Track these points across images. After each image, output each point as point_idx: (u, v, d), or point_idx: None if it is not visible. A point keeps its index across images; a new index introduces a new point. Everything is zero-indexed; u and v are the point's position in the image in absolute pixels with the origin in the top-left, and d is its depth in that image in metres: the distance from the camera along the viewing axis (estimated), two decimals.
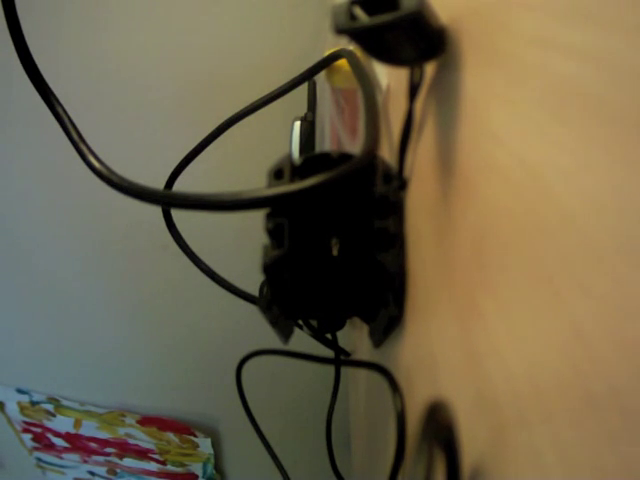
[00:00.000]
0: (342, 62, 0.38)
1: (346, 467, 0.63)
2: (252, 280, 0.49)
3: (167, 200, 0.21)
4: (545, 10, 0.14)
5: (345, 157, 0.29)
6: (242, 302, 0.46)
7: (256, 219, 0.34)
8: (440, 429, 0.15)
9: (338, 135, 0.53)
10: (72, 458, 1.19)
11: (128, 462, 1.16)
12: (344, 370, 0.67)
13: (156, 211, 0.42)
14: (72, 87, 0.76)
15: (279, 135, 0.73)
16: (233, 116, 0.43)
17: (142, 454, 1.14)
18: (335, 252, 0.30)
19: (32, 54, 0.25)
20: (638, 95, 0.10)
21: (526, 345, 0.14)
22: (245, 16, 0.73)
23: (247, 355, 0.40)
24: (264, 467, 0.86)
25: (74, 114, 0.26)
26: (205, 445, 1.09)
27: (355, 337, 0.59)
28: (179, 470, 1.16)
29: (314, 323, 0.42)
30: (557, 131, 0.13)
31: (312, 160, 0.29)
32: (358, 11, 0.20)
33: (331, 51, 0.37)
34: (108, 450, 1.15)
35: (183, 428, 1.07)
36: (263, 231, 0.29)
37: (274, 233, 0.29)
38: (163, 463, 1.15)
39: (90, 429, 1.11)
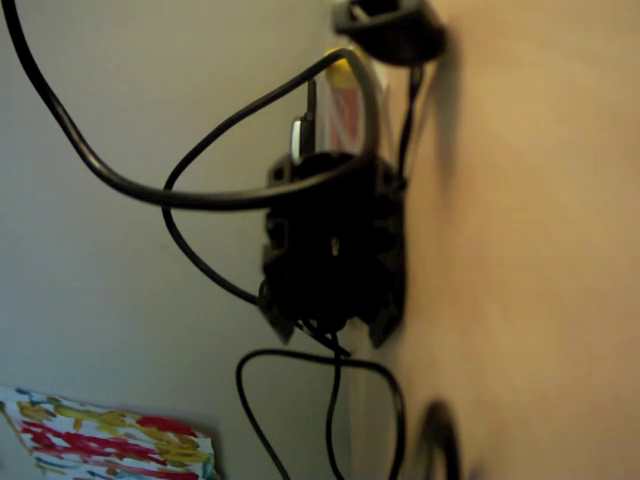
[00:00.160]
0: (342, 62, 0.38)
1: (346, 467, 0.63)
2: (252, 280, 0.49)
3: (167, 200, 0.21)
4: (545, 10, 0.14)
5: (345, 157, 0.29)
6: (242, 302, 0.46)
7: (256, 219, 0.34)
8: (440, 429, 0.15)
9: (338, 135, 0.53)
10: (72, 458, 1.19)
11: (128, 462, 1.16)
12: (344, 370, 0.67)
13: (156, 211, 0.42)
14: (72, 87, 0.76)
15: (279, 135, 0.73)
16: (233, 116, 0.43)
17: (142, 454, 1.14)
18: (335, 252, 0.30)
19: (32, 54, 0.25)
20: (637, 95, 0.10)
21: (526, 345, 0.14)
22: (245, 16, 0.73)
23: (247, 355, 0.40)
24: (264, 467, 0.86)
25: (74, 114, 0.26)
26: (205, 445, 1.09)
27: (355, 337, 0.59)
28: (179, 470, 1.16)
29: (314, 323, 0.42)
30: (557, 131, 0.13)
31: (312, 160, 0.29)
32: (358, 11, 0.20)
33: (331, 51, 0.37)
34: (108, 450, 1.15)
35: (183, 428, 1.07)
36: (263, 231, 0.29)
37: (274, 233, 0.29)
38: (163, 463, 1.15)
39: (90, 429, 1.11)
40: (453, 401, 0.19)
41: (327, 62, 0.39)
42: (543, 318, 0.13)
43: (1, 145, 0.85)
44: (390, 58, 0.22)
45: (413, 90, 0.25)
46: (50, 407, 1.09)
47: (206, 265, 0.44)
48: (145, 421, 1.07)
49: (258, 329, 0.67)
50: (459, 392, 0.19)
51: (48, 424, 1.12)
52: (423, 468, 0.14)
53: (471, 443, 0.17)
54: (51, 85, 0.26)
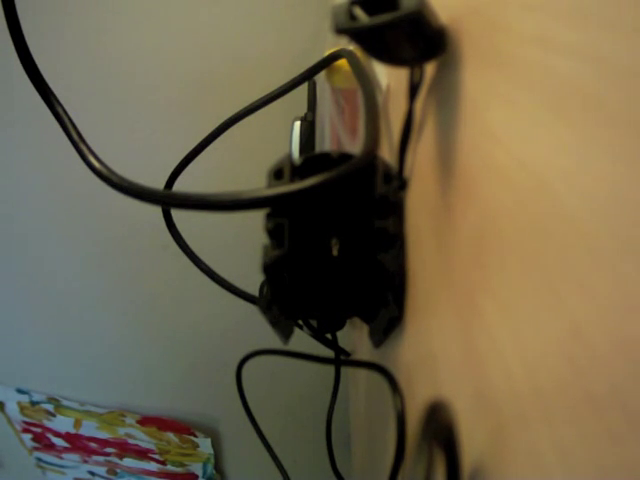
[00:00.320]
0: (342, 62, 0.38)
1: (346, 467, 0.63)
2: (252, 280, 0.49)
3: (167, 200, 0.21)
4: (545, 10, 0.14)
5: (345, 157, 0.29)
6: (242, 302, 0.46)
7: (256, 219, 0.34)
8: (440, 429, 0.15)
9: (338, 135, 0.53)
10: (72, 458, 1.19)
11: (128, 462, 1.16)
12: (344, 370, 0.67)
13: (156, 211, 0.42)
14: (72, 87, 0.76)
15: (279, 135, 0.73)
16: (233, 116, 0.43)
17: (142, 454, 1.14)
18: (335, 252, 0.30)
19: (32, 54, 0.25)
20: (637, 95, 0.10)
21: (526, 345, 0.14)
22: (245, 16, 0.73)
23: (247, 355, 0.40)
24: (264, 467, 0.86)
25: (74, 114, 0.26)
26: (205, 445, 1.09)
27: (355, 337, 0.59)
28: (179, 470, 1.16)
29: (314, 323, 0.42)
30: (557, 131, 0.13)
31: (312, 160, 0.29)
32: (358, 11, 0.20)
33: (331, 51, 0.37)
34: (108, 450, 1.15)
35: (183, 428, 1.07)
36: (263, 231, 0.29)
37: (274, 233, 0.29)
38: (163, 463, 1.15)
39: (90, 429, 1.11)
40: (453, 401, 0.19)
41: (327, 62, 0.39)
42: (542, 317, 0.13)
43: (1, 145, 0.85)
44: (390, 58, 0.22)
45: (413, 90, 0.25)
46: (50, 407, 1.09)
47: (206, 265, 0.44)
48: (145, 421, 1.07)
49: (258, 329, 0.67)
50: (459, 392, 0.19)
51: (48, 424, 1.12)
52: (423, 468, 0.14)
53: (471, 443, 0.17)
54: (51, 85, 0.26)
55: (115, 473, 1.20)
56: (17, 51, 0.25)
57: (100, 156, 0.22)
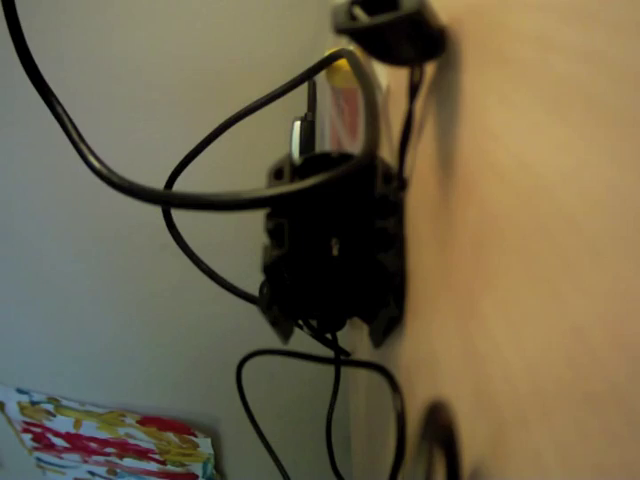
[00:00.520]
0: (342, 62, 0.38)
1: (346, 467, 0.63)
2: (252, 280, 0.49)
3: (167, 200, 0.21)
4: (545, 10, 0.14)
5: (345, 157, 0.29)
6: (242, 302, 0.46)
7: (256, 219, 0.34)
8: (440, 429, 0.15)
9: (338, 135, 0.53)
10: (72, 458, 1.19)
11: (128, 462, 1.16)
12: (344, 370, 0.67)
13: (156, 211, 0.42)
14: (72, 87, 0.76)
15: (279, 135, 0.73)
16: (233, 116, 0.43)
17: (142, 454, 1.14)
18: (335, 252, 0.30)
19: (32, 54, 0.25)
20: (637, 95, 0.10)
21: (526, 345, 0.14)
22: (245, 16, 0.73)
23: (247, 355, 0.40)
24: (264, 467, 0.86)
25: (74, 114, 0.26)
26: (205, 445, 1.09)
27: (355, 337, 0.59)
28: (179, 470, 1.16)
29: (314, 323, 0.42)
30: (557, 131, 0.13)
31: (312, 160, 0.29)
32: (358, 11, 0.20)
33: (331, 51, 0.37)
34: (108, 450, 1.15)
35: (183, 428, 1.07)
36: (263, 231, 0.29)
37: (274, 233, 0.29)
38: (163, 463, 1.15)
39: (90, 429, 1.11)
40: (453, 401, 0.19)
41: (327, 62, 0.39)
42: (542, 316, 0.13)
43: (1, 145, 0.85)
44: (390, 58, 0.22)
45: (413, 90, 0.25)
46: (50, 407, 1.09)
47: (206, 265, 0.45)
48: (145, 421, 1.07)
49: (258, 329, 0.67)
50: (459, 392, 0.19)
51: (48, 424, 1.12)
52: (423, 468, 0.14)
53: (471, 443, 0.17)
54: (51, 85, 0.26)
55: (115, 473, 1.20)
56: (17, 51, 0.25)
57: (100, 156, 0.22)
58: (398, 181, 0.29)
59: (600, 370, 0.10)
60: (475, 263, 0.18)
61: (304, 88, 0.49)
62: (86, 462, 1.19)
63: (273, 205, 0.28)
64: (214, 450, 1.10)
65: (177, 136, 0.80)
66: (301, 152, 0.49)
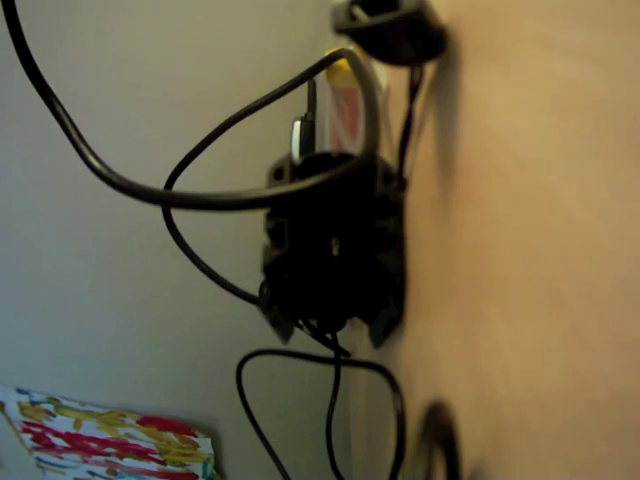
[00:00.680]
0: (342, 62, 0.38)
1: (346, 467, 0.63)
2: (252, 280, 0.49)
3: (167, 200, 0.21)
4: (545, 10, 0.14)
5: (345, 157, 0.29)
6: (242, 302, 0.46)
7: (256, 219, 0.34)
8: (440, 429, 0.15)
9: (338, 135, 0.53)
10: (72, 458, 1.19)
11: (128, 462, 1.16)
12: (344, 370, 0.67)
13: (156, 211, 0.42)
14: (72, 87, 0.76)
15: (279, 135, 0.73)
16: (233, 116, 0.43)
17: (142, 454, 1.14)
18: (335, 252, 0.30)
19: (32, 54, 0.25)
20: (637, 95, 0.10)
21: (526, 345, 0.14)
22: (245, 16, 0.73)
23: (247, 355, 0.40)
24: (264, 467, 0.86)
25: (74, 114, 0.26)
26: (205, 445, 1.09)
27: (355, 337, 0.59)
28: (179, 470, 1.16)
29: (314, 323, 0.42)
30: (557, 131, 0.13)
31: (312, 160, 0.29)
32: (358, 11, 0.20)
33: (331, 51, 0.37)
34: (108, 450, 1.15)
35: (183, 428, 1.07)
36: (263, 231, 0.29)
37: (274, 233, 0.29)
38: (163, 463, 1.15)
39: (90, 429, 1.11)
40: (453, 401, 0.19)
41: (327, 62, 0.39)
42: (543, 317, 0.13)
43: (1, 145, 0.85)
44: (390, 58, 0.22)
45: (413, 90, 0.25)
46: (50, 407, 1.09)
47: (206, 265, 0.45)
48: (145, 421, 1.07)
49: (258, 329, 0.67)
50: (459, 392, 0.19)
51: (48, 424, 1.12)
52: (423, 468, 0.14)
53: (471, 443, 0.17)
54: (51, 85, 0.26)
55: (115, 473, 1.20)
56: (17, 51, 0.25)
57: (100, 156, 0.22)
58: (398, 181, 0.29)
59: (600, 370, 0.10)
60: (475, 263, 0.18)
61: (304, 88, 0.49)
62: (86, 462, 1.19)
63: (273, 205, 0.28)
64: (214, 450, 1.10)
65: (177, 136, 0.80)
66: (301, 152, 0.49)
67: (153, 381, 1.06)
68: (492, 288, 0.16)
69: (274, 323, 0.33)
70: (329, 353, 0.43)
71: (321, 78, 0.48)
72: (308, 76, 0.41)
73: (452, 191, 0.21)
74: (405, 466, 0.27)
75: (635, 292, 0.10)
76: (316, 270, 0.31)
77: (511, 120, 0.16)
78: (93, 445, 1.14)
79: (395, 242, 0.28)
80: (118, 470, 1.19)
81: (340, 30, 0.19)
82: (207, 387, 1.05)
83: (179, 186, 0.40)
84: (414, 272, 0.27)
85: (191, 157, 0.44)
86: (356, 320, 0.38)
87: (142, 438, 1.10)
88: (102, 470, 1.20)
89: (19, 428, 1.15)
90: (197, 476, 1.16)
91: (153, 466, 1.16)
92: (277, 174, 0.29)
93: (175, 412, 1.07)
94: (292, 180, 0.29)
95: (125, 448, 1.13)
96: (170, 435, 1.08)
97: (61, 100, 0.25)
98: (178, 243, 0.43)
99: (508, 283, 0.15)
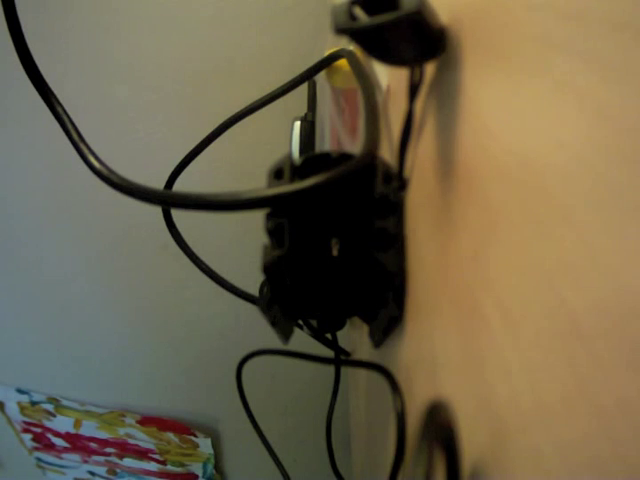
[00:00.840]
0: (342, 62, 0.38)
1: (346, 467, 0.64)
2: (252, 280, 0.49)
3: (167, 200, 0.21)
4: (545, 10, 0.14)
5: (345, 157, 0.29)
6: (242, 302, 0.46)
7: (256, 219, 0.34)
8: (440, 429, 0.15)
9: (338, 135, 0.53)
10: (72, 458, 1.19)
11: (128, 462, 1.16)
12: (344, 370, 0.67)
13: (156, 211, 0.42)
14: (72, 87, 0.77)
15: (279, 135, 0.73)
16: (233, 116, 0.43)
17: (142, 454, 1.14)
18: (335, 252, 0.30)
19: (32, 54, 0.25)
20: (637, 95, 0.10)
21: (526, 345, 0.14)
22: (245, 16, 0.73)
23: (247, 355, 0.40)
24: (264, 467, 0.86)
25: (74, 114, 0.26)
26: (205, 445, 1.09)
27: (355, 337, 0.59)
28: (179, 470, 1.16)
29: (314, 323, 0.42)
30: (557, 131, 0.13)
31: (312, 160, 0.29)
32: (358, 11, 0.20)
33: (331, 51, 0.37)
34: (108, 450, 1.15)
35: (183, 428, 1.07)
36: (263, 231, 0.29)
37: (274, 233, 0.29)
38: (163, 463, 1.15)
39: (90, 429, 1.11)
40: (453, 401, 0.19)
41: (327, 62, 0.39)
42: (543, 319, 0.13)
43: (1, 145, 0.85)
44: (390, 58, 0.22)
45: (413, 90, 0.25)
46: (50, 407, 1.10)
47: (206, 265, 0.45)
48: (145, 421, 1.07)
49: (258, 329, 0.67)
50: (459, 392, 0.19)
51: (48, 424, 1.12)
52: (423, 468, 0.14)
53: (471, 443, 0.17)
54: (51, 85, 0.26)
55: (115, 473, 1.20)
56: (17, 51, 0.25)
57: (100, 156, 0.22)
58: (398, 181, 0.29)
59: (600, 370, 0.10)
60: (475, 263, 0.18)
61: (304, 88, 0.49)
62: (86, 462, 1.19)
63: (273, 205, 0.28)
64: (214, 450, 1.10)
65: (177, 136, 0.81)
66: (301, 152, 0.49)
67: (153, 381, 1.07)
68: (492, 287, 0.16)
69: (274, 323, 0.33)
70: (329, 353, 0.43)
71: (321, 78, 0.48)
72: (308, 76, 0.41)
73: (452, 191, 0.21)
74: (405, 466, 0.27)
75: (635, 291, 0.10)
76: (316, 270, 0.31)
77: (511, 120, 0.16)
78: (93, 445, 1.14)
79: (395, 242, 0.28)
80: (118, 470, 1.19)
81: (340, 30, 0.19)
82: (207, 387, 1.05)
83: (179, 186, 0.40)
84: (414, 272, 0.27)
85: (191, 157, 0.44)
86: (356, 320, 0.38)
87: (142, 438, 1.10)
88: (102, 470, 1.20)
89: (19, 428, 1.15)
90: (197, 476, 1.16)
91: (153, 466, 1.16)
92: (277, 174, 0.29)
93: (175, 412, 1.07)
94: (292, 180, 0.29)
95: (125, 448, 1.13)
96: (170, 435, 1.08)
97: (61, 100, 0.25)
98: (178, 243, 0.43)
99: (508, 284, 0.15)
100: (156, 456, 1.13)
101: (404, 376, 0.29)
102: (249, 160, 0.82)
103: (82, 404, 1.08)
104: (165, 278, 0.94)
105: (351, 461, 0.66)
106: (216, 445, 1.11)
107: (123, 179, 0.21)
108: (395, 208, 0.29)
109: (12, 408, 1.11)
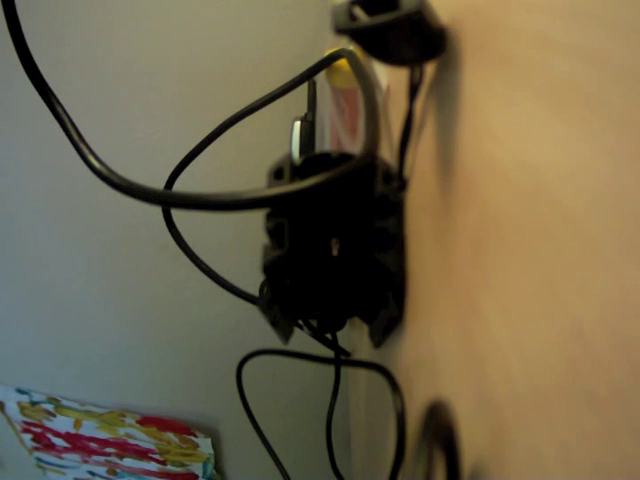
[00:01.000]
0: (342, 62, 0.38)
1: (346, 467, 0.64)
2: (252, 280, 0.49)
3: (167, 200, 0.21)
4: (545, 10, 0.14)
5: (345, 157, 0.29)
6: (242, 302, 0.46)
7: (256, 219, 0.34)
8: (440, 429, 0.15)
9: (338, 135, 0.53)
10: (72, 458, 1.19)
11: (128, 462, 1.16)
12: (344, 370, 0.67)
13: (156, 211, 0.42)
14: (72, 87, 0.76)
15: (279, 135, 0.73)
16: (233, 116, 0.43)
17: (142, 454, 1.14)
18: (335, 252, 0.30)
19: (33, 54, 0.25)
20: (637, 95, 0.10)
21: (526, 345, 0.14)
22: (245, 16, 0.73)
23: (247, 355, 0.40)
24: (264, 467, 0.86)
25: (74, 114, 0.26)
26: (205, 445, 1.09)
27: (355, 337, 0.59)
28: (179, 470, 1.16)
29: (314, 323, 0.42)
30: (557, 131, 0.13)
31: (312, 160, 0.29)
32: (358, 11, 0.20)
33: (331, 51, 0.37)
34: (108, 450, 1.15)
35: (183, 428, 1.07)
36: (263, 231, 0.29)
37: (274, 233, 0.29)
38: (163, 463, 1.15)
39: (90, 429, 1.11)
40: (453, 401, 0.19)
41: (327, 62, 0.39)
42: (542, 317, 0.13)
43: (1, 145, 0.85)
44: (390, 58, 0.22)
45: (413, 90, 0.25)
46: (50, 407, 1.10)
47: (206, 265, 0.45)
48: (145, 421, 1.07)
49: (258, 329, 0.67)
50: (459, 392, 0.19)
51: (48, 424, 1.12)
52: (423, 468, 0.14)
53: (471, 443, 0.17)
54: (51, 85, 0.26)
55: (115, 473, 1.20)
56: (17, 51, 0.25)
57: (100, 156, 0.22)
58: (398, 181, 0.29)
59: (600, 370, 0.10)
60: (475, 263, 0.18)
61: (304, 88, 0.49)
62: (86, 462, 1.19)
63: (273, 205, 0.28)
64: (214, 450, 1.10)
65: (177, 136, 0.81)
66: (301, 152, 0.49)
67: (153, 381, 1.07)
68: (492, 288, 0.16)
69: (274, 323, 0.33)
70: (329, 353, 0.43)
71: (321, 78, 0.48)
72: (308, 76, 0.41)
73: (452, 191, 0.21)
74: (405, 466, 0.27)
75: (635, 291, 0.10)
76: (316, 270, 0.31)
77: (511, 120, 0.16)
78: (93, 445, 1.14)
79: (395, 242, 0.28)
80: (118, 470, 1.19)
81: (340, 30, 0.19)
82: (207, 387, 1.05)
83: (179, 186, 0.40)
84: (414, 272, 0.27)
85: (191, 157, 0.44)
86: (356, 320, 0.38)
87: (142, 438, 1.10)
88: (102, 470, 1.20)
89: (19, 428, 1.15)
90: (197, 476, 1.16)
91: (153, 466, 1.16)
92: (277, 174, 0.29)
93: (175, 412, 1.07)
94: (292, 180, 0.29)
95: (125, 448, 1.13)
96: (170, 435, 1.08)
97: (61, 100, 0.25)
98: (178, 243, 0.43)
99: (508, 283, 0.15)
100: (156, 456, 1.13)
101: (404, 376, 0.29)
102: (249, 160, 0.82)
103: (82, 404, 1.08)
104: (165, 278, 0.94)
105: (351, 461, 0.66)
106: (216, 445, 1.11)
107: (123, 179, 0.21)
108: (395, 208, 0.29)
109: (12, 408, 1.11)
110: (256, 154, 0.81)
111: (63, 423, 1.11)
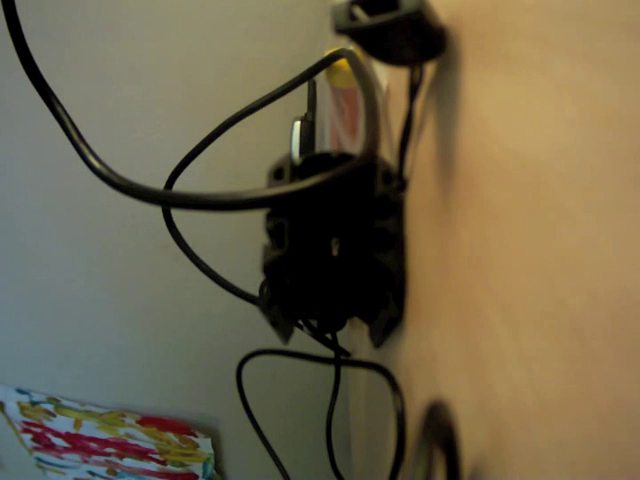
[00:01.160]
0: (342, 62, 0.38)
1: (346, 467, 0.64)
2: (252, 280, 0.49)
3: (167, 200, 0.21)
4: (545, 10, 0.14)
5: (345, 157, 0.29)
6: (242, 302, 0.46)
7: (256, 219, 0.34)
8: (440, 429, 0.15)
9: (338, 135, 0.53)
10: (72, 458, 1.19)
11: (128, 462, 1.16)
12: (344, 370, 0.67)
13: (156, 211, 0.42)
14: (72, 87, 0.76)
15: (279, 135, 0.73)
16: (233, 116, 0.43)
17: (142, 454, 1.14)
18: (335, 252, 0.30)
19: (33, 54, 0.25)
20: (637, 95, 0.10)
21: (526, 345, 0.14)
22: (245, 16, 0.73)
23: (247, 355, 0.40)
24: (264, 467, 0.86)
25: (74, 114, 0.26)
26: (205, 445, 1.09)
27: (355, 337, 0.59)
28: (179, 470, 1.16)
29: (314, 323, 0.42)
30: (557, 131, 0.13)
31: (312, 160, 0.29)
32: (358, 11, 0.20)
33: (331, 51, 0.37)
34: (108, 450, 1.15)
35: (183, 428, 1.07)
36: (263, 231, 0.29)
37: (274, 233, 0.29)
38: (163, 463, 1.15)
39: (90, 429, 1.11)
40: (453, 401, 0.19)
41: (327, 62, 0.39)
42: (543, 319, 0.13)
43: (1, 145, 0.85)
44: (390, 58, 0.22)
45: (413, 90, 0.25)
46: (50, 407, 1.10)
47: (206, 265, 0.45)
48: (145, 421, 1.07)
49: (258, 329, 0.67)
50: (459, 392, 0.19)
51: (48, 424, 1.12)
52: (423, 468, 0.14)
53: (471, 443, 0.17)
54: (51, 85, 0.26)
55: (115, 473, 1.20)
56: (17, 51, 0.25)
57: (100, 156, 0.22)
58: (398, 181, 0.29)
59: (600, 370, 0.10)
60: (475, 263, 0.18)
61: (304, 88, 0.49)
62: (86, 462, 1.19)
63: (273, 205, 0.28)
64: (214, 450, 1.10)
65: (177, 136, 0.81)
66: (301, 152, 0.49)
67: (153, 381, 1.07)
68: (492, 288, 0.16)
69: (274, 323, 0.33)
70: (329, 353, 0.43)
71: (321, 78, 0.48)
72: (308, 76, 0.41)
73: (452, 191, 0.21)
74: (405, 466, 0.27)
75: (635, 290, 0.10)
76: (316, 270, 0.31)
77: (511, 120, 0.16)
78: (93, 445, 1.14)
79: (395, 242, 0.28)
80: (118, 470, 1.19)
81: (340, 30, 0.19)
82: (207, 387, 1.05)
83: (179, 186, 0.40)
84: (414, 272, 0.27)
85: (191, 157, 0.44)
86: (356, 320, 0.38)
87: (142, 438, 1.10)
88: (102, 470, 1.20)
89: (19, 428, 1.15)
90: (197, 476, 1.16)
91: (153, 466, 1.16)
92: (277, 174, 0.29)
93: (175, 412, 1.07)
94: (292, 180, 0.29)
95: (125, 448, 1.13)
96: (170, 435, 1.08)
97: (61, 100, 0.25)
98: (178, 243, 0.43)
99: (508, 284, 0.15)
100: (156, 456, 1.13)
101: (404, 376, 0.29)
102: (249, 160, 0.82)
103: (82, 404, 1.08)
104: (165, 278, 0.94)
105: (351, 461, 0.66)
106: (216, 445, 1.11)
107: (123, 179, 0.21)
108: (395, 208, 0.29)
109: (12, 408, 1.11)
110: (256, 154, 0.81)
111: (63, 423, 1.11)
